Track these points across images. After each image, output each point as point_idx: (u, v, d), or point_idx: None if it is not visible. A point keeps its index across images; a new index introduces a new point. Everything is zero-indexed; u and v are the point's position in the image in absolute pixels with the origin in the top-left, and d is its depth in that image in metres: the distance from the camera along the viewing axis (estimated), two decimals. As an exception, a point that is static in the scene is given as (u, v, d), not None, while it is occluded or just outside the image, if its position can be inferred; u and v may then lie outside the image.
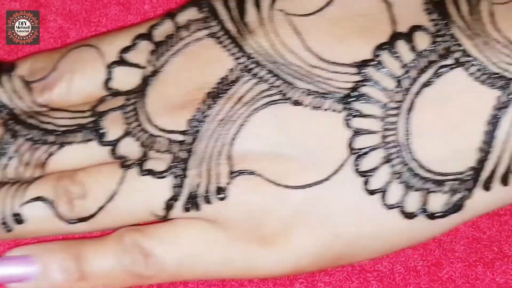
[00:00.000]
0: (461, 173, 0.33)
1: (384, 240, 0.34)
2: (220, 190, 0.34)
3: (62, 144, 0.36)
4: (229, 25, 0.35)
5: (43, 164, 0.36)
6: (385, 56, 0.33)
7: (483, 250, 0.38)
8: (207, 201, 0.35)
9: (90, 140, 0.36)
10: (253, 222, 0.34)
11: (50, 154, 0.36)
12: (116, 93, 0.36)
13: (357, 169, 0.33)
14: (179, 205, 0.35)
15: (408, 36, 0.33)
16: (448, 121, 0.33)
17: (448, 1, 0.33)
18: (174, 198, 0.35)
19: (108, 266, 0.35)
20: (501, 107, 0.32)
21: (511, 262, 0.38)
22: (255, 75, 0.34)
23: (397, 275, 0.38)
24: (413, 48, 0.33)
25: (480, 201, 0.33)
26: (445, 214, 0.33)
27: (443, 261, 0.38)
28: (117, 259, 0.35)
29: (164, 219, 0.35)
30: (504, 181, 0.33)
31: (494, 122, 0.32)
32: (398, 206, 0.33)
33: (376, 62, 0.33)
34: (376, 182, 0.33)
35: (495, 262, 0.38)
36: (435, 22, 0.33)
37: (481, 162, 0.32)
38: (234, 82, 0.34)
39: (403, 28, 0.33)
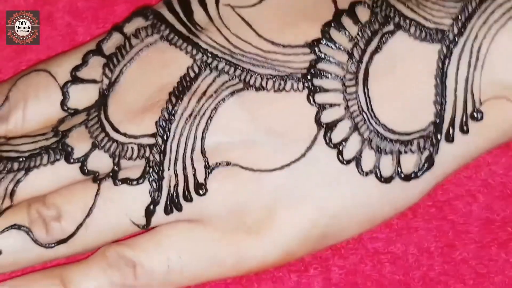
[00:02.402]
0: (424, 129, 0.34)
1: (366, 209, 0.35)
2: (199, 186, 0.34)
3: (28, 169, 0.35)
4: (179, 27, 0.35)
5: (12, 193, 0.35)
6: (333, 32, 0.35)
7: (497, 231, 0.38)
8: (188, 199, 0.34)
9: (57, 160, 0.35)
10: (236, 213, 0.34)
11: (18, 182, 0.35)
12: (75, 112, 0.36)
13: (328, 142, 0.34)
14: (160, 209, 0.35)
15: (350, 12, 0.35)
16: (401, 81, 0.34)
17: None
18: (154, 203, 0.34)
19: (97, 285, 0.34)
20: (444, 58, 0.34)
21: (525, 243, 0.38)
22: (214, 68, 0.35)
23: (410, 256, 0.38)
24: (356, 22, 0.35)
25: (448, 155, 0.35)
26: (418, 173, 0.34)
27: (456, 243, 0.38)
28: (105, 275, 0.34)
29: (148, 228, 0.35)
30: (464, 129, 0.34)
31: (441, 73, 0.34)
32: (373, 172, 0.34)
33: (326, 40, 0.34)
34: (349, 151, 0.34)
35: (509, 243, 0.38)
36: None
37: (439, 114, 0.34)
38: (195, 78, 0.35)
39: (344, 5, 0.35)
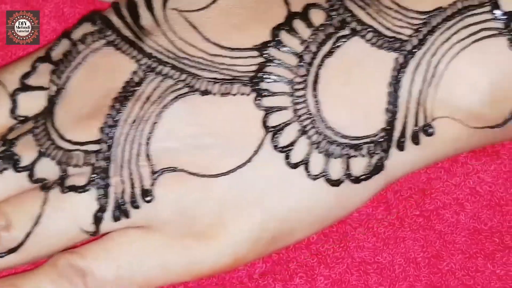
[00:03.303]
0: (374, 135, 0.34)
1: (316, 211, 0.35)
2: (145, 192, 0.34)
3: None
4: (126, 32, 0.35)
5: None
6: (283, 35, 0.34)
7: (484, 242, 0.38)
8: (135, 206, 0.34)
9: (5, 169, 0.35)
10: (185, 218, 0.34)
11: None
12: (24, 120, 0.36)
13: (275, 145, 0.34)
14: (108, 216, 0.34)
15: (303, 15, 0.34)
16: (354, 87, 0.34)
17: None
18: (101, 209, 0.34)
19: None
20: (400, 68, 0.33)
21: (512, 254, 0.38)
22: (159, 73, 0.34)
23: (397, 267, 0.38)
24: (309, 25, 0.34)
25: (398, 161, 0.34)
26: (368, 176, 0.34)
27: (443, 253, 0.38)
28: (54, 285, 0.34)
29: (97, 235, 0.35)
30: (415, 140, 0.34)
31: (395, 82, 0.33)
32: (323, 175, 0.34)
33: (275, 42, 0.34)
34: (296, 155, 0.34)
35: (496, 254, 0.38)
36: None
37: (391, 122, 0.34)
38: (139, 83, 0.34)
39: (297, 8, 0.34)
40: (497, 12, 0.33)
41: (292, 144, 0.34)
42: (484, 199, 0.38)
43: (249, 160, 0.34)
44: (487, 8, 0.33)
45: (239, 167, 0.34)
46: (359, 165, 0.34)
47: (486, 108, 0.33)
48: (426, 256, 0.38)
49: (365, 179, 0.34)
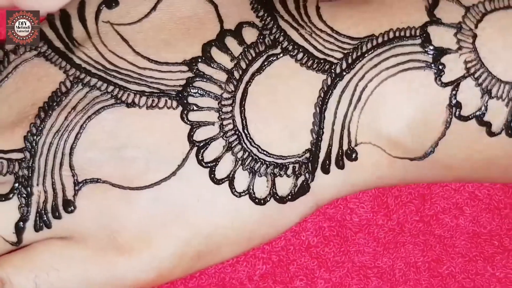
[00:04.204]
0: (299, 155, 0.34)
1: (241, 229, 0.34)
2: (67, 203, 0.34)
3: None
4: (57, 43, 0.35)
5: None
6: (214, 51, 0.34)
7: (483, 245, 0.38)
8: (56, 216, 0.34)
9: None
10: (107, 231, 0.34)
11: None
12: None
13: (200, 161, 0.33)
14: (30, 226, 0.34)
15: (235, 32, 0.34)
16: (281, 106, 0.34)
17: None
18: (22, 219, 0.34)
19: None
20: (327, 90, 0.33)
21: (511, 256, 0.38)
22: (86, 84, 0.34)
23: (397, 271, 0.38)
24: (241, 42, 0.34)
25: (325, 184, 0.34)
26: (293, 196, 0.34)
27: (443, 257, 0.38)
28: None
29: (19, 245, 0.35)
30: (339, 163, 0.34)
31: (322, 104, 0.33)
32: (247, 193, 0.34)
33: (206, 58, 0.34)
34: (221, 171, 0.34)
35: (496, 257, 0.38)
36: (261, 17, 0.35)
37: (316, 144, 0.33)
38: (66, 93, 0.34)
39: (230, 25, 0.34)
40: (427, 46, 0.33)
41: (217, 160, 0.34)
42: (483, 203, 0.38)
43: (173, 174, 0.33)
44: (418, 41, 0.33)
45: (163, 180, 0.33)
46: (284, 185, 0.34)
47: (407, 139, 0.33)
48: (426, 260, 0.38)
49: (291, 200, 0.34)
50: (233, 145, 0.34)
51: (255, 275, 0.38)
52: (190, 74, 0.34)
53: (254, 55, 0.34)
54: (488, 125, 0.33)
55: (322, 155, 0.34)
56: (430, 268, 0.38)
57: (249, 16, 0.35)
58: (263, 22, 0.34)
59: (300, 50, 0.34)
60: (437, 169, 0.34)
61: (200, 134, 0.34)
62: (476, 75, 0.33)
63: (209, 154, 0.34)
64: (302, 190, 0.34)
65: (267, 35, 0.34)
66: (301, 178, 0.34)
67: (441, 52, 0.33)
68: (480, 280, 0.38)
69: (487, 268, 0.38)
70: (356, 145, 0.33)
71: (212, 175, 0.33)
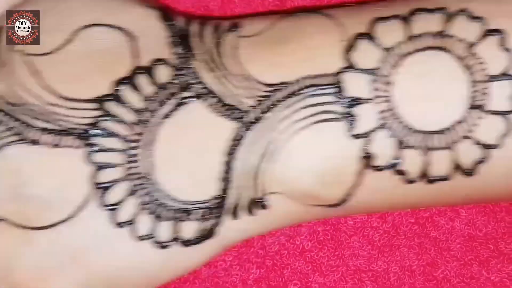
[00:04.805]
0: (206, 201, 0.33)
1: (144, 272, 0.33)
2: None
3: None
4: None
5: None
6: (124, 90, 0.33)
7: (479, 249, 0.38)
8: None
9: None
10: (4, 271, 0.33)
11: None
12: None
13: (102, 203, 0.33)
14: None
15: (149, 70, 0.33)
16: (190, 151, 0.33)
17: (193, 34, 0.34)
18: None
19: None
20: (236, 138, 0.32)
21: (507, 260, 0.38)
22: None
23: (392, 275, 0.38)
24: (154, 82, 0.33)
25: (233, 228, 0.33)
26: (197, 240, 0.33)
27: (438, 260, 0.38)
28: None
29: None
30: (249, 211, 0.33)
31: (230, 153, 0.32)
32: (149, 237, 0.33)
33: (115, 97, 0.33)
34: (123, 214, 0.33)
35: (491, 261, 0.38)
36: (177, 55, 0.33)
37: (224, 191, 0.33)
38: None
39: (145, 62, 0.33)
40: (341, 96, 0.32)
41: (119, 202, 0.33)
42: (479, 205, 0.38)
43: (72, 216, 0.33)
44: (332, 91, 0.32)
45: (62, 221, 0.33)
46: (190, 228, 0.33)
47: (320, 189, 0.32)
48: (421, 263, 0.38)
49: (195, 243, 0.33)
50: (137, 189, 0.33)
51: (249, 279, 0.38)
52: (98, 113, 0.33)
53: (166, 96, 0.33)
54: (404, 173, 0.32)
55: (231, 202, 0.33)
56: (425, 272, 0.38)
57: (166, 53, 0.33)
58: (179, 59, 0.33)
59: (211, 95, 0.33)
60: (358, 211, 0.34)
61: (103, 176, 0.33)
62: (389, 126, 0.32)
63: (112, 197, 0.33)
64: (208, 234, 0.33)
65: (180, 76, 0.33)
66: (207, 223, 0.33)
67: (354, 102, 0.32)
68: (475, 284, 0.38)
69: (482, 272, 0.38)
70: (266, 194, 0.33)
71: (113, 218, 0.33)
